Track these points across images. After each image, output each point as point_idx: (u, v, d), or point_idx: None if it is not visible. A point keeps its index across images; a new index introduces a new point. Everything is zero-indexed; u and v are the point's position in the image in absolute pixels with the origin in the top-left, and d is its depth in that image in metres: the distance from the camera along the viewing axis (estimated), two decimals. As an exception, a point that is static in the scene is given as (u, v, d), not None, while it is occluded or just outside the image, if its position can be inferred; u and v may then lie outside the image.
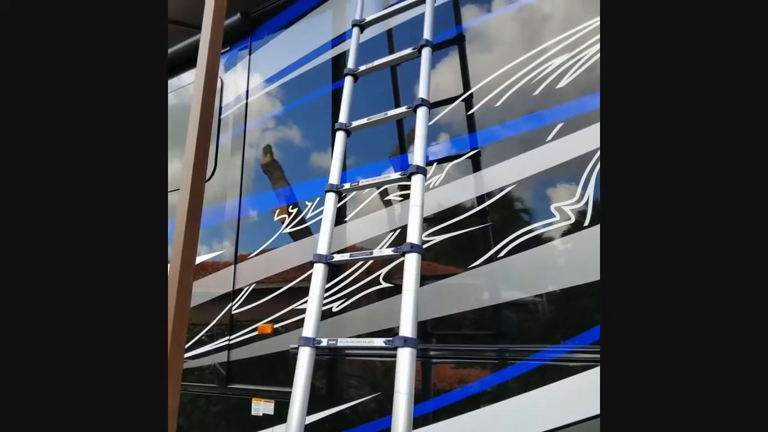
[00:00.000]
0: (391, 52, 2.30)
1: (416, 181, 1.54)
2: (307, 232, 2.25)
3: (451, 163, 1.93)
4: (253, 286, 2.34)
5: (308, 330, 1.51)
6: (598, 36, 1.70)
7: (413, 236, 1.44)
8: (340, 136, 1.85)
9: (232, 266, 2.45)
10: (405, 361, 1.28)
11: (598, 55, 1.69)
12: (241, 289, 2.37)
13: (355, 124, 1.84)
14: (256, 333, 2.24)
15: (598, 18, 1.70)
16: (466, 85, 1.98)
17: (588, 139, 1.64)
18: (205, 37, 2.02)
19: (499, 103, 1.87)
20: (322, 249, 1.62)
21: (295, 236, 2.29)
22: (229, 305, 2.39)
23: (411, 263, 1.39)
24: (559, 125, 1.72)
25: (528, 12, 1.90)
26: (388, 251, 1.49)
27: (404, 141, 2.17)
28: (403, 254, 1.41)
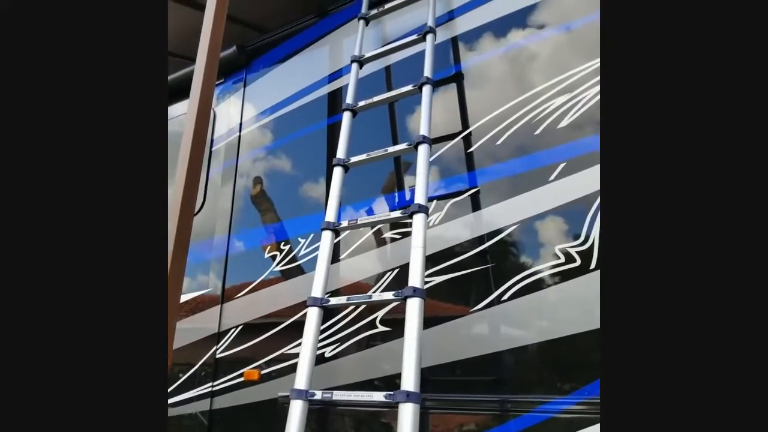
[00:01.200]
0: (389, 88, 2.28)
1: (418, 220, 1.47)
2: (299, 271, 2.15)
3: (451, 201, 1.87)
4: (240, 327, 2.22)
5: (301, 381, 1.40)
6: (598, 77, 1.70)
7: (415, 279, 1.36)
8: (337, 171, 1.78)
9: (219, 306, 2.33)
10: (408, 417, 1.17)
11: (598, 96, 1.67)
12: (227, 331, 2.25)
13: (353, 159, 1.78)
14: (242, 379, 2.11)
15: (598, 60, 1.69)
16: (466, 123, 1.95)
17: (591, 179, 1.59)
18: (199, 68, 1.97)
19: (499, 142, 1.83)
20: (317, 291, 1.53)
21: (287, 274, 2.19)
22: (214, 348, 2.26)
23: (413, 309, 1.30)
24: (561, 165, 1.68)
25: (528, 52, 1.89)
26: (389, 295, 1.40)
27: (401, 177, 2.12)
28: (404, 299, 1.33)
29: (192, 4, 2.80)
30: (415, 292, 1.32)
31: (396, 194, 2.10)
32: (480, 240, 1.77)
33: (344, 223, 1.66)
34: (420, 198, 1.51)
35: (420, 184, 1.54)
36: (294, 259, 2.18)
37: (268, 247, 2.29)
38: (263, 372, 2.06)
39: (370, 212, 2.11)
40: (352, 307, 1.87)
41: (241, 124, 2.69)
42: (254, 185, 2.57)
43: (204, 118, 1.88)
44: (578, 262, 1.56)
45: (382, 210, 2.07)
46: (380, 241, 1.99)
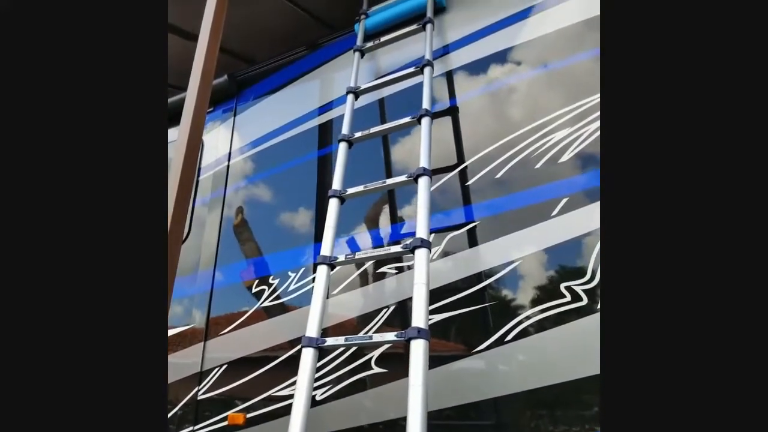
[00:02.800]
0: (383, 119, 2.26)
1: (420, 255, 1.41)
2: (289, 307, 2.05)
3: (450, 235, 1.81)
4: (225, 366, 2.08)
5: (295, 427, 1.29)
6: (599, 112, 1.69)
7: (419, 319, 1.28)
8: (333, 203, 1.72)
9: (202, 343, 2.19)
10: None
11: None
12: (210, 370, 2.11)
13: (350, 191, 1.72)
14: (225, 423, 1.96)
15: (598, 95, 1.69)
16: (462, 156, 1.92)
17: (596, 214, 1.56)
18: (191, 98, 1.92)
19: (499, 175, 1.80)
20: (312, 330, 1.44)
21: (276, 310, 2.08)
22: (196, 389, 2.12)
23: (418, 351, 1.22)
24: (564, 200, 1.65)
25: (528, 85, 1.88)
26: (390, 336, 1.31)
27: (396, 209, 2.07)
28: (408, 340, 1.25)
29: (181, 33, 2.77)
30: (420, 333, 1.24)
31: (390, 227, 2.04)
32: (479, 277, 1.71)
33: (341, 258, 1.58)
34: (422, 232, 1.45)
35: (421, 217, 1.48)
36: (284, 294, 2.08)
37: (256, 281, 2.19)
38: (249, 416, 1.92)
39: (356, 247, 2.04)
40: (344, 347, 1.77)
41: (230, 153, 2.63)
42: (242, 216, 2.48)
43: (194, 147, 1.82)
44: (585, 301, 1.51)
45: (374, 243, 2.00)
46: (375, 276, 1.91)
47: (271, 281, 2.14)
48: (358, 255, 1.57)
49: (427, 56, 1.93)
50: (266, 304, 2.11)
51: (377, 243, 2.02)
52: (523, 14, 1.98)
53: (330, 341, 1.41)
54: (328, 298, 1.92)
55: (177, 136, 1.86)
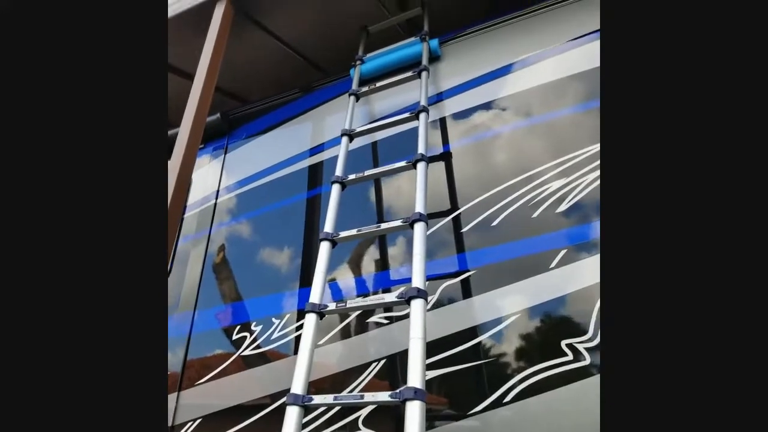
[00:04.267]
0: (375, 162, 2.23)
1: (417, 306, 1.33)
2: (272, 356, 1.93)
3: (444, 284, 1.74)
4: (199, 420, 1.93)
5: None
6: (597, 162, 1.68)
7: (415, 378, 1.18)
8: (324, 247, 1.64)
9: (175, 393, 2.04)
10: None
11: (598, 180, 1.65)
12: (183, 425, 1.95)
13: (343, 234, 1.66)
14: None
15: (597, 145, 1.69)
16: (457, 201, 1.88)
17: (598, 267, 1.51)
18: (183, 135, 1.88)
19: (495, 223, 1.75)
20: (298, 386, 1.33)
21: (257, 360, 1.96)
22: (165, 445, 1.95)
23: (414, 414, 1.12)
24: (563, 252, 1.60)
25: (523, 134, 1.88)
26: (384, 396, 1.21)
27: (386, 256, 2.00)
28: (403, 401, 1.15)
29: (175, 71, 2.76)
30: (416, 394, 1.14)
31: (378, 272, 1.96)
32: (474, 331, 1.63)
33: (331, 306, 1.49)
34: (418, 281, 1.38)
35: (417, 265, 1.41)
36: (267, 342, 1.96)
37: (238, 327, 2.07)
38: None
39: (339, 293, 1.96)
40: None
41: (218, 191, 2.56)
42: (224, 256, 2.39)
43: (183, 184, 1.77)
44: (588, 360, 1.44)
45: (359, 290, 1.92)
46: (364, 325, 1.81)
47: (253, 327, 2.02)
48: (350, 303, 1.49)
49: (423, 102, 1.93)
50: (247, 352, 1.98)
51: (362, 290, 1.94)
52: (517, 66, 2.00)
53: (317, 399, 1.30)
54: (317, 346, 1.82)
55: (167, 172, 1.80)
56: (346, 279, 2.00)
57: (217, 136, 2.71)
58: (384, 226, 1.62)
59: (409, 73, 2.08)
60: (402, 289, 1.81)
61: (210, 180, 2.62)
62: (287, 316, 1.98)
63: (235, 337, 2.05)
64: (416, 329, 1.27)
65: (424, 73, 2.02)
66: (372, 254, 2.03)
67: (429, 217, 1.85)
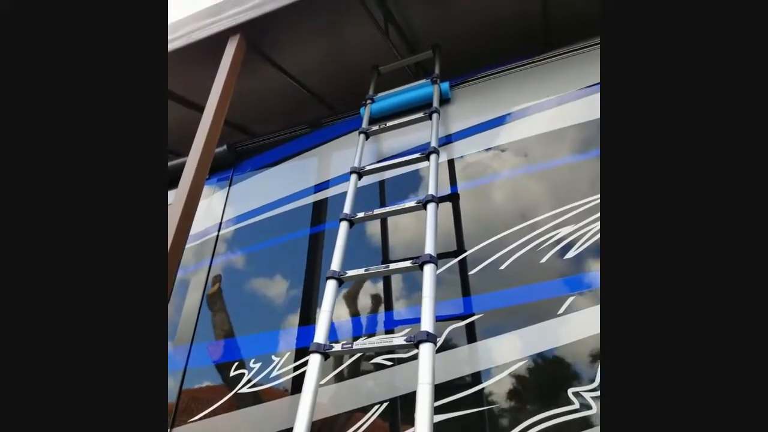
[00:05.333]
0: (382, 199, 2.24)
1: (426, 351, 1.30)
2: (271, 395, 1.87)
3: (450, 327, 1.72)
4: (190, 463, 1.86)
5: None
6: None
7: (423, 426, 1.15)
8: (331, 285, 1.62)
9: (168, 431, 1.97)
10: None
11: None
12: (172, 467, 1.88)
13: (350, 273, 1.64)
14: None
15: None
16: (464, 244, 1.88)
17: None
18: (191, 166, 1.88)
19: (503, 267, 1.75)
20: (301, 429, 1.28)
21: (255, 399, 1.90)
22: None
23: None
24: (571, 298, 1.59)
25: (533, 179, 1.90)
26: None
27: (390, 292, 1.98)
28: (413, 451, 1.11)
29: (184, 102, 2.79)
30: (427, 441, 1.11)
31: (383, 314, 1.94)
32: (481, 375, 1.60)
33: (337, 347, 1.46)
34: (427, 324, 1.36)
35: (427, 308, 1.39)
36: (266, 381, 1.91)
37: (236, 364, 2.02)
38: None
39: (334, 333, 1.92)
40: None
41: (220, 223, 2.54)
42: (225, 291, 2.35)
43: (189, 214, 1.76)
44: (594, 410, 1.41)
45: (356, 331, 1.89)
46: (367, 367, 1.77)
47: (252, 365, 1.97)
48: (357, 345, 1.46)
49: (433, 144, 1.95)
50: (245, 390, 1.93)
51: (360, 331, 1.90)
52: (528, 111, 2.05)
53: (321, 444, 1.25)
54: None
55: (173, 201, 1.79)
56: (346, 316, 1.97)
57: (222, 167, 2.72)
58: (393, 266, 1.61)
59: (420, 114, 2.12)
60: (408, 330, 1.80)
61: (214, 212, 2.61)
62: (288, 353, 1.94)
63: (232, 373, 1.99)
64: (425, 374, 1.24)
65: (435, 115, 2.06)
66: (374, 290, 2.00)
67: (439, 257, 1.85)
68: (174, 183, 1.90)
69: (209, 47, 2.34)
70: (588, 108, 1.92)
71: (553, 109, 1.98)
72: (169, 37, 2.40)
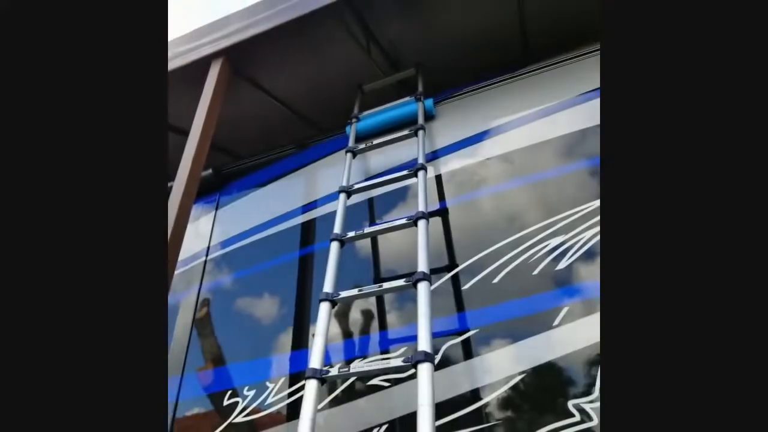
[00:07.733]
0: (371, 217, 2.23)
1: (424, 371, 1.28)
2: (266, 423, 1.83)
3: (444, 346, 1.70)
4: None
5: None
6: (595, 219, 1.71)
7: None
8: (324, 308, 1.60)
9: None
10: None
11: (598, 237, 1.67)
12: (166, 503, 1.81)
13: (343, 294, 1.62)
14: None
15: (596, 202, 1.72)
16: (456, 259, 1.87)
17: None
18: (177, 191, 1.85)
19: (496, 280, 1.74)
20: (299, 460, 1.25)
21: (250, 428, 1.85)
22: None
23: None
24: (566, 309, 1.59)
25: (523, 191, 1.91)
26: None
27: (384, 313, 1.96)
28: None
29: (169, 128, 2.76)
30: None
31: (378, 333, 1.92)
32: (480, 392, 1.58)
33: (333, 371, 1.43)
34: (424, 344, 1.34)
35: (423, 326, 1.38)
36: (260, 409, 1.86)
37: (229, 392, 1.97)
38: None
39: (328, 356, 1.90)
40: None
41: (208, 248, 2.50)
42: (216, 319, 2.31)
43: (176, 242, 1.72)
44: (595, 421, 1.40)
45: (348, 353, 1.87)
46: (363, 389, 1.74)
47: (245, 392, 1.93)
48: (353, 368, 1.43)
49: (420, 160, 1.95)
50: (239, 419, 1.88)
51: (351, 353, 1.88)
52: (511, 125, 2.07)
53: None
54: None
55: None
56: (339, 338, 1.94)
57: (208, 191, 2.69)
58: (386, 285, 1.59)
59: (406, 132, 2.12)
60: (404, 349, 1.78)
61: (201, 237, 2.58)
62: (282, 379, 1.90)
63: (226, 402, 1.95)
64: (424, 395, 1.22)
65: (420, 132, 2.07)
66: (366, 308, 1.98)
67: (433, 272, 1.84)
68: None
69: (192, 72, 2.32)
70: (569, 119, 1.95)
71: (536, 121, 2.00)
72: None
